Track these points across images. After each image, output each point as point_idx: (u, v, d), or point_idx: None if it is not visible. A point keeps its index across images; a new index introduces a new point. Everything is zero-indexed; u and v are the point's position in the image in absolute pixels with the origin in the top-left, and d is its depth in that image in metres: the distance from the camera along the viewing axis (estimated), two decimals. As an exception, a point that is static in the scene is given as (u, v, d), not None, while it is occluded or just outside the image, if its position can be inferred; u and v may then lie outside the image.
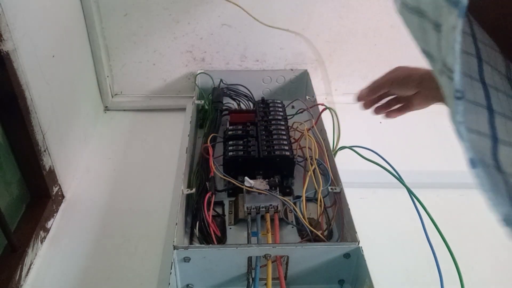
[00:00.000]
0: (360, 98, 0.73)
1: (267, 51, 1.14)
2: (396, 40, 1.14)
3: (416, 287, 0.75)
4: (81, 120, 1.00)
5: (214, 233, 0.76)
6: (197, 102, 1.07)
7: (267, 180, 0.83)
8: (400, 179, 0.76)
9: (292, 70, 1.16)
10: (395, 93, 0.70)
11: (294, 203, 0.80)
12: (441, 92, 0.27)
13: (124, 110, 1.17)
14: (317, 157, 0.87)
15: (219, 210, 0.85)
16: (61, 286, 0.73)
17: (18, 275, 0.71)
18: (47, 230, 0.81)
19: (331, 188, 0.81)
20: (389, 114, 0.72)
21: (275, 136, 0.91)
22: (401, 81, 0.66)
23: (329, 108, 0.95)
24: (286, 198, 0.81)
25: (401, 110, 0.70)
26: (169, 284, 0.63)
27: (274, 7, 1.07)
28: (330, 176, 0.83)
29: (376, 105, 0.73)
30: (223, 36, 1.11)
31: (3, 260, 0.72)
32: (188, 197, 0.82)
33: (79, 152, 0.98)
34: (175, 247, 0.67)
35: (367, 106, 0.73)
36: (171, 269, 0.65)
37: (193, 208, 0.81)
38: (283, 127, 0.94)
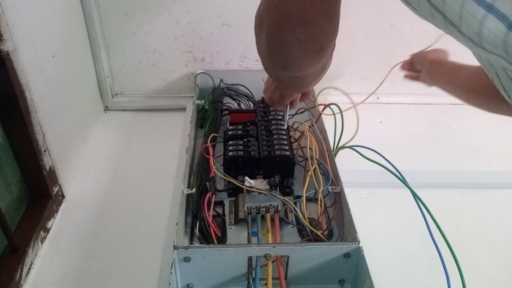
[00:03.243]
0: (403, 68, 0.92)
1: (267, 51, 1.14)
2: (396, 40, 1.14)
3: (416, 287, 0.75)
4: (81, 120, 1.00)
5: (214, 233, 0.76)
6: (197, 102, 1.07)
7: (267, 180, 0.83)
8: (400, 178, 0.76)
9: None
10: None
11: (294, 203, 0.80)
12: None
13: (124, 110, 1.17)
14: (317, 157, 0.87)
15: (219, 210, 0.85)
16: (61, 286, 0.73)
17: (18, 275, 0.71)
18: (47, 230, 0.81)
19: (331, 188, 0.81)
20: (406, 76, 0.91)
21: (275, 136, 0.91)
22: (418, 59, 0.86)
23: (334, 104, 0.94)
24: (286, 198, 0.81)
25: (413, 78, 0.89)
26: (169, 284, 0.63)
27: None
28: (330, 176, 0.83)
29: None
30: (223, 36, 1.11)
31: (3, 260, 0.72)
32: (188, 197, 0.82)
33: (79, 152, 0.98)
34: (175, 247, 0.67)
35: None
36: (171, 269, 0.65)
37: (193, 208, 0.81)
38: (283, 127, 0.94)
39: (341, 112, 0.92)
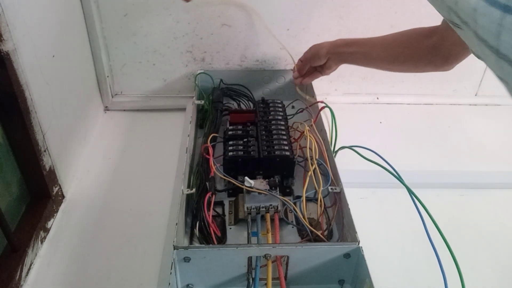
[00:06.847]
0: (295, 79, 1.04)
1: (267, 51, 1.14)
2: (396, 40, 1.13)
3: (416, 287, 0.75)
4: (81, 120, 1.00)
5: (214, 233, 0.76)
6: (197, 102, 1.07)
7: (267, 180, 0.83)
8: (400, 179, 0.76)
9: (292, 70, 1.16)
10: (314, 65, 0.98)
11: (294, 203, 0.80)
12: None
13: (124, 110, 1.17)
14: (317, 157, 0.87)
15: (219, 210, 0.85)
16: (61, 286, 0.73)
17: (18, 275, 0.71)
18: (47, 230, 0.81)
19: (331, 188, 0.81)
20: (304, 80, 1.02)
21: (275, 136, 0.91)
22: (313, 56, 0.96)
23: (328, 107, 0.95)
24: (286, 198, 0.81)
25: (315, 75, 1.00)
26: (169, 284, 0.63)
27: (274, 7, 1.07)
28: (330, 176, 0.83)
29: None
30: (223, 36, 1.11)
31: (3, 260, 0.72)
32: (188, 197, 0.82)
33: (79, 152, 0.98)
34: (175, 247, 0.67)
35: (301, 82, 1.03)
36: (171, 269, 0.65)
37: (193, 208, 0.81)
38: (283, 127, 0.94)
39: (333, 115, 0.93)
